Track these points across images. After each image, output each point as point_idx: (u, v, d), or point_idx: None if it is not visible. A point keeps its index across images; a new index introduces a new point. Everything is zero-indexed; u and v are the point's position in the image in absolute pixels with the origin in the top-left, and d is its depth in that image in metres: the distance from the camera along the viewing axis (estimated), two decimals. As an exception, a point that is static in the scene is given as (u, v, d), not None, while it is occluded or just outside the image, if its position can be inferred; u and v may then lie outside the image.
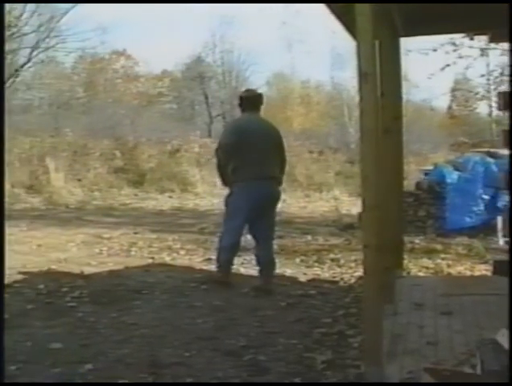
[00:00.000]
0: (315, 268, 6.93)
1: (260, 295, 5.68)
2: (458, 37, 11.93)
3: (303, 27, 46.61)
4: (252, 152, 5.71)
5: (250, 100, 6.03)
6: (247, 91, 6.56)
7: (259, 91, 6.59)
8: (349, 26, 4.80)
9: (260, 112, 6.07)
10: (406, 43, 5.66)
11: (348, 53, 25.93)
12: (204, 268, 6.67)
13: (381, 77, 4.09)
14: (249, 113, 5.97)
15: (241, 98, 6.14)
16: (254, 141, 5.74)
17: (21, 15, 24.24)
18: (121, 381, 3.61)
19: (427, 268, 6.82)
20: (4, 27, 3.77)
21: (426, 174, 11.29)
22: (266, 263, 5.93)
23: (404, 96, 5.74)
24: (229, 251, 5.91)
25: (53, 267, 6.76)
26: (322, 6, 4.54)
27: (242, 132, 5.79)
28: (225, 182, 6.01)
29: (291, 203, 14.47)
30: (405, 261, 5.95)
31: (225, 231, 6.02)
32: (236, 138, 5.75)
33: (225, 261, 5.95)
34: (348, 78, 28.73)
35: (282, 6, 28.62)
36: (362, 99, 3.17)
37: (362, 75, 3.15)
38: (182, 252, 7.75)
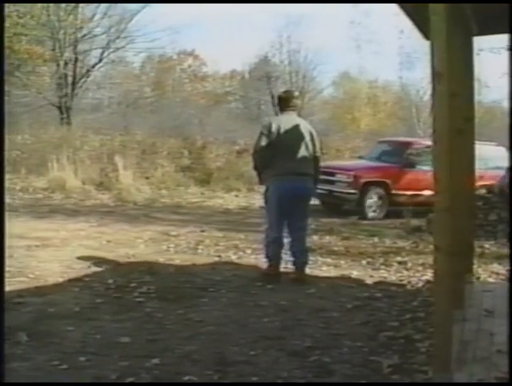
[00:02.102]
0: (382, 271, 6.85)
1: (295, 284, 6.05)
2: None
3: (371, 27, 46.19)
4: (285, 150, 6.06)
5: (287, 101, 6.32)
6: (285, 92, 6.78)
7: (296, 92, 6.98)
8: (422, 25, 4.73)
9: (296, 111, 6.38)
10: (477, 41, 5.53)
11: (417, 53, 25.63)
12: (270, 267, 6.67)
13: (454, 77, 4.00)
14: (286, 113, 6.27)
15: (279, 98, 6.48)
16: (287, 140, 6.07)
17: (93, 16, 24.84)
18: (186, 377, 3.64)
19: (497, 274, 6.65)
20: (4, 27, 3.90)
21: None
22: (298, 253, 6.27)
23: (476, 97, 5.62)
24: (274, 246, 6.24)
25: (122, 262, 6.90)
26: (392, 6, 4.50)
27: (276, 131, 6.06)
28: (262, 181, 6.44)
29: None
30: (474, 266, 5.81)
31: (268, 227, 6.37)
32: (270, 139, 6.05)
33: (273, 256, 6.26)
34: (417, 78, 28.38)
35: (350, 6, 28.37)
36: (435, 99, 3.12)
37: (436, 75, 3.10)
38: (248, 251, 7.78)
